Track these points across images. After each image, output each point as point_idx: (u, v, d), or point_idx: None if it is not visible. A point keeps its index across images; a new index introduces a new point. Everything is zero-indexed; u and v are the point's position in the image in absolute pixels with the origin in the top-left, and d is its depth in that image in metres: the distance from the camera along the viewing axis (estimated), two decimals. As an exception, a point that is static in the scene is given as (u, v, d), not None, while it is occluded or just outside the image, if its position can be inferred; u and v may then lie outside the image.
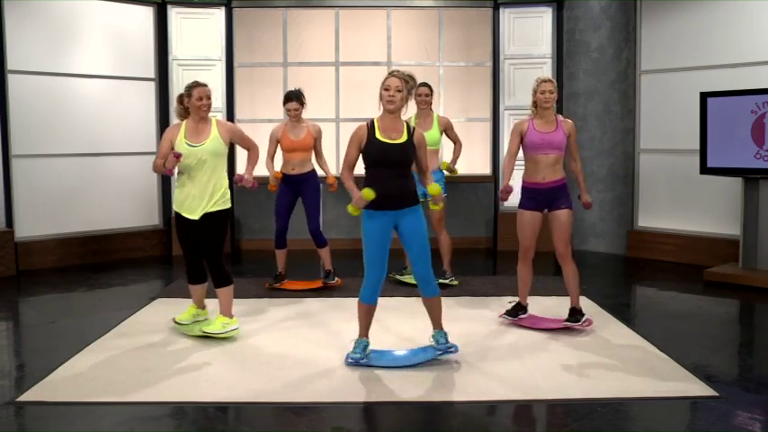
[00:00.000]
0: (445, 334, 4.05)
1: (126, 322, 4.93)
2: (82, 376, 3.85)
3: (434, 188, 3.90)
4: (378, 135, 3.85)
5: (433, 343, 4.06)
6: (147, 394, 3.59)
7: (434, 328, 4.07)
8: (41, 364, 4.02)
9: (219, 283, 4.55)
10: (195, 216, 4.44)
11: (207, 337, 4.50)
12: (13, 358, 4.36)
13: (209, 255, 4.50)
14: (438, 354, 4.02)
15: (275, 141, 5.77)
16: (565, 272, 4.66)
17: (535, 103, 4.63)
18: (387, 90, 3.85)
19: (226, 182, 4.55)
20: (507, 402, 3.51)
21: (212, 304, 5.14)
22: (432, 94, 5.87)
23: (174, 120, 7.58)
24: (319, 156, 5.83)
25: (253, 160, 4.72)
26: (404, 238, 3.94)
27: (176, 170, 4.42)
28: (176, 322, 4.67)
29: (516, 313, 4.78)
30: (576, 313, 4.61)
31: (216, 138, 4.46)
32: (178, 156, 4.34)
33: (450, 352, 4.02)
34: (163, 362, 4.07)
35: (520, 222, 4.70)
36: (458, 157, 5.96)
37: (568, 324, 4.58)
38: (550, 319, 4.76)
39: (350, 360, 3.97)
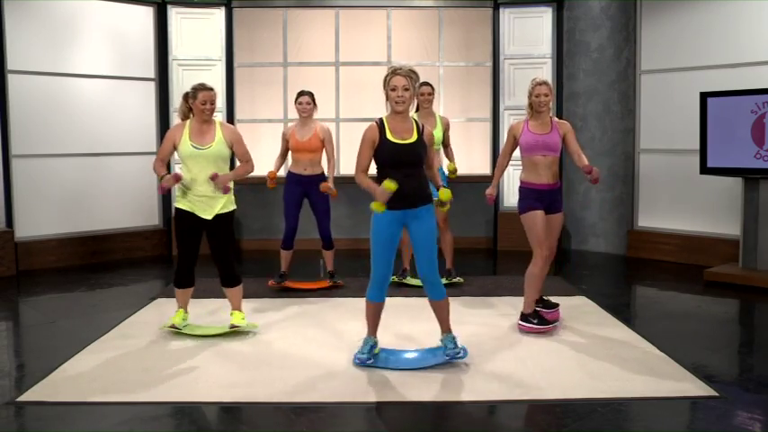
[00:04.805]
0: (454, 338, 3.96)
1: (126, 322, 4.93)
2: (82, 376, 3.85)
3: (446, 194, 3.89)
4: (389, 136, 3.80)
5: (443, 346, 4.01)
6: (147, 394, 3.58)
7: (443, 332, 3.99)
8: (41, 364, 4.02)
9: (232, 283, 4.59)
10: (208, 216, 4.44)
11: (207, 336, 4.52)
12: (13, 358, 4.36)
13: (221, 256, 4.54)
14: (446, 359, 3.94)
15: (285, 140, 5.79)
16: (543, 270, 4.67)
17: (531, 105, 4.64)
18: (394, 90, 3.76)
19: (230, 184, 4.56)
20: (507, 402, 3.51)
21: (216, 303, 5.16)
22: (434, 93, 5.88)
23: (174, 120, 7.60)
24: (328, 159, 5.78)
25: (240, 171, 4.56)
26: (414, 238, 3.89)
27: (176, 185, 4.42)
28: (175, 328, 4.58)
29: (543, 319, 4.62)
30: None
31: (221, 141, 4.45)
32: (178, 178, 4.39)
33: (459, 357, 3.92)
34: (163, 362, 4.07)
35: (532, 223, 4.55)
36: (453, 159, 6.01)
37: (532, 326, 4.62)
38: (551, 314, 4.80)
39: (356, 360, 3.95)
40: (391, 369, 3.90)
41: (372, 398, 3.55)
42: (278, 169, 5.82)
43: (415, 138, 3.82)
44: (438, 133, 5.75)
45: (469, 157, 7.99)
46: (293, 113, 6.04)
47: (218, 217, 4.46)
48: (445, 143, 5.96)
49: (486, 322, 4.85)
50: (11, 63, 6.73)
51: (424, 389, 3.65)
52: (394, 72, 3.78)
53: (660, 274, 6.63)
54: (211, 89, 4.48)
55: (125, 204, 7.62)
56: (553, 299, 4.99)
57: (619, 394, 3.53)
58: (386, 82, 3.82)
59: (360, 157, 3.85)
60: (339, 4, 7.97)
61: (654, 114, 7.40)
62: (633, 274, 6.82)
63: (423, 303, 4.31)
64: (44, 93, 6.99)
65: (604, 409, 3.36)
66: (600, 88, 7.67)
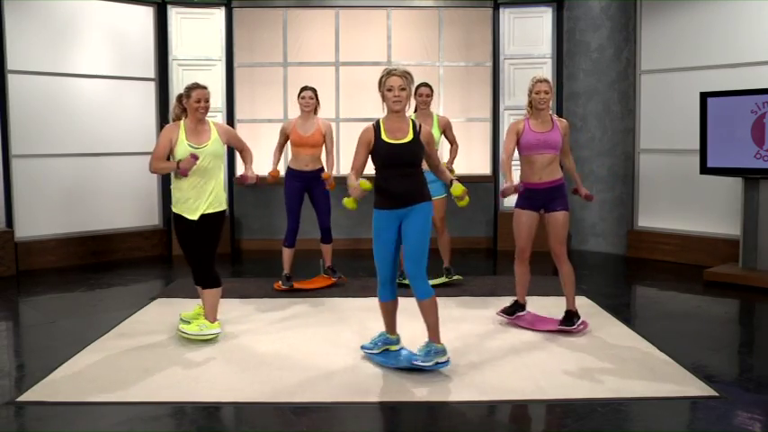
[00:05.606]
0: (431, 350, 3.77)
1: (126, 322, 4.93)
2: (82, 376, 3.85)
3: (457, 188, 3.90)
4: (383, 136, 3.83)
5: (416, 352, 3.87)
6: (147, 394, 3.59)
7: (429, 337, 3.82)
8: (41, 364, 4.02)
9: (208, 284, 4.49)
10: (194, 216, 4.43)
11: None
12: (13, 358, 4.36)
13: (202, 256, 4.48)
14: (417, 364, 3.77)
15: (284, 135, 5.81)
16: (561, 272, 4.66)
17: (531, 103, 4.63)
18: (390, 90, 3.79)
19: (222, 183, 4.57)
20: (507, 402, 3.51)
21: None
22: (432, 95, 5.87)
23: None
24: (328, 153, 5.83)
25: (249, 159, 4.73)
26: (403, 235, 3.87)
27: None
28: (182, 321, 4.59)
29: (514, 312, 4.79)
30: (571, 316, 4.58)
31: (216, 140, 4.47)
32: (196, 157, 4.32)
33: (432, 368, 3.77)
34: (163, 362, 4.07)
35: (516, 222, 4.71)
36: (455, 158, 5.98)
37: (562, 328, 4.56)
38: (548, 320, 4.76)
39: (362, 347, 4.12)
40: (389, 367, 3.91)
41: (372, 398, 3.55)
42: (277, 164, 5.86)
43: (410, 137, 3.83)
44: (435, 134, 5.75)
45: (469, 157, 7.99)
46: (293, 113, 6.05)
47: (203, 217, 4.42)
48: (450, 141, 5.97)
49: (486, 322, 4.85)
50: (11, 63, 6.73)
51: (424, 389, 3.65)
52: (389, 73, 3.82)
53: (660, 274, 6.62)
54: (205, 87, 4.46)
55: (125, 204, 7.62)
56: (552, 299, 4.99)
57: (619, 394, 3.53)
58: (381, 83, 3.85)
59: (354, 157, 3.90)
60: (339, 4, 7.97)
61: (654, 114, 7.40)
62: (633, 274, 6.82)
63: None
64: (44, 93, 6.99)
65: (604, 409, 3.36)
66: (600, 88, 7.67)
